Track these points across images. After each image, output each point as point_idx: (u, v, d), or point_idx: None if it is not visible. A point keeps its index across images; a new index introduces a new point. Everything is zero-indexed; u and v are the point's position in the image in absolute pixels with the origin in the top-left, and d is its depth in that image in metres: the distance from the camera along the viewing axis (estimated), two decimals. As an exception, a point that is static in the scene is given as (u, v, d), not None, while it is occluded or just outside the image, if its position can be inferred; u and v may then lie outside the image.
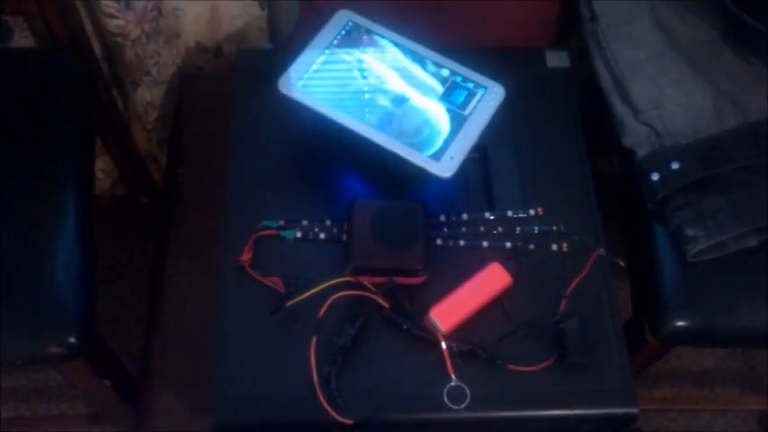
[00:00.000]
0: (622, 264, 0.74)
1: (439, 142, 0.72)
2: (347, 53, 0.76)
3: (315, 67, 0.76)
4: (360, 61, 0.76)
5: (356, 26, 0.78)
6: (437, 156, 0.71)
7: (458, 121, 0.74)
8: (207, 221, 0.86)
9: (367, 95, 0.74)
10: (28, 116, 0.88)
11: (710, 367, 1.34)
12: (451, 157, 0.71)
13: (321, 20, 0.79)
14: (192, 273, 0.92)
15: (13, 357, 0.73)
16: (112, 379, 0.88)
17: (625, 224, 0.89)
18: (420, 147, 0.71)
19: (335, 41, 0.77)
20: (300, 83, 0.74)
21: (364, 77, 0.75)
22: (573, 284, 0.73)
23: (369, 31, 0.78)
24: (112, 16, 0.94)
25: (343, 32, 0.77)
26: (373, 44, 0.77)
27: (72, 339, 0.74)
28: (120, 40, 0.97)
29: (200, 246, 0.93)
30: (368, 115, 0.73)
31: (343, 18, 0.78)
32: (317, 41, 0.76)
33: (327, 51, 0.76)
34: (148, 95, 1.08)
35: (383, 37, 0.78)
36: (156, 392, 0.83)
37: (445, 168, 0.70)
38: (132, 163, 1.20)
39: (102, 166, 1.25)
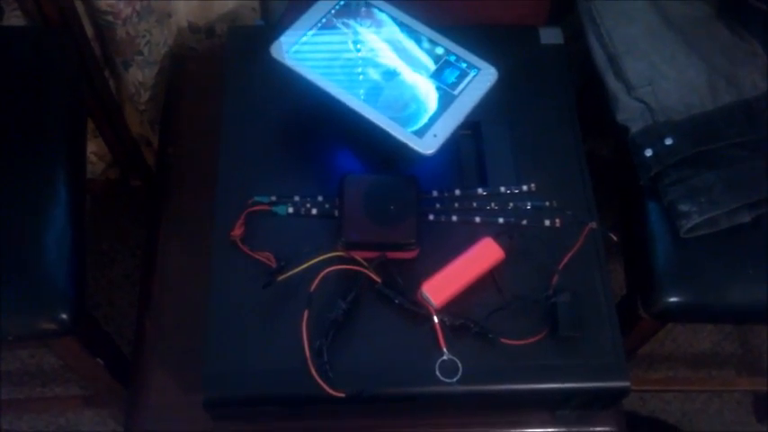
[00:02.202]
0: (615, 238, 0.73)
1: (424, 119, 0.72)
2: (343, 23, 0.76)
3: (309, 34, 0.75)
4: (355, 32, 0.76)
5: None
6: (420, 132, 0.71)
7: (446, 100, 0.73)
8: (199, 201, 0.86)
9: (358, 67, 0.74)
10: (19, 95, 0.87)
11: (706, 349, 1.35)
12: (435, 135, 0.70)
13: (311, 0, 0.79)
14: (183, 253, 0.92)
15: (6, 333, 0.73)
16: (106, 358, 0.88)
17: (619, 201, 0.89)
18: (404, 122, 0.71)
19: (333, 11, 0.76)
20: (293, 49, 0.74)
21: (357, 49, 0.75)
22: (565, 259, 0.73)
23: (367, 4, 0.77)
24: (103, -6, 0.93)
25: (341, 3, 0.77)
26: (370, 17, 0.77)
27: (63, 315, 0.74)
28: (111, 18, 0.97)
29: (192, 226, 0.93)
30: (357, 86, 0.72)
31: None
32: (313, 10, 0.76)
33: (323, 20, 0.76)
34: (140, 76, 1.08)
35: (381, 10, 0.78)
36: (150, 371, 0.83)
37: (427, 145, 0.70)
38: (125, 145, 1.20)
39: (95, 149, 1.24)
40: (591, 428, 0.82)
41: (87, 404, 1.08)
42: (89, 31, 1.01)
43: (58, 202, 0.81)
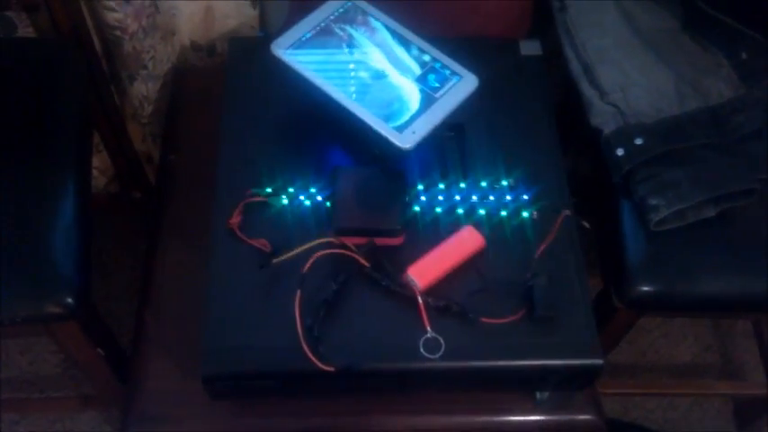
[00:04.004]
0: (587, 225, 0.78)
1: (405, 117, 0.78)
2: (340, 28, 0.83)
3: (308, 35, 0.82)
4: (350, 37, 0.83)
5: (354, 6, 0.85)
6: (401, 128, 0.76)
7: (428, 102, 0.79)
8: (198, 203, 0.91)
9: (350, 67, 0.80)
10: (32, 100, 0.93)
11: (687, 361, 1.39)
12: (413, 132, 0.76)
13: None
14: (183, 251, 0.96)
15: (14, 314, 0.77)
16: (106, 349, 0.91)
17: (594, 201, 0.94)
18: (387, 118, 0.77)
19: (332, 17, 0.84)
20: (292, 47, 0.81)
21: (351, 52, 0.82)
22: (542, 247, 0.78)
23: (364, 13, 0.84)
24: (112, 9, 0.99)
25: (341, 10, 0.84)
26: (366, 24, 0.84)
27: (69, 300, 0.79)
28: (118, 33, 1.03)
29: (192, 224, 0.97)
30: (347, 85, 0.79)
31: None
32: (315, 14, 0.83)
33: (323, 24, 0.83)
34: (144, 89, 1.14)
35: (376, 19, 0.85)
36: (149, 358, 0.87)
37: (406, 140, 0.76)
38: (128, 159, 1.25)
39: (98, 164, 1.29)
40: (571, 416, 0.86)
41: (85, 405, 1.11)
42: (97, 47, 1.07)
43: (66, 198, 0.86)
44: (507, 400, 0.86)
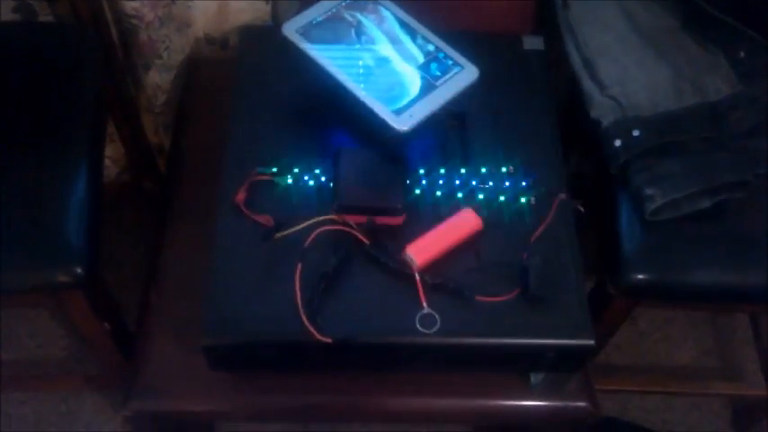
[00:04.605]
0: (581, 209, 0.80)
1: (404, 101, 0.80)
2: (350, 14, 0.86)
3: (319, 19, 0.85)
4: (359, 23, 0.86)
5: None
6: (399, 112, 0.79)
7: (427, 89, 0.82)
8: (206, 189, 0.93)
9: (356, 51, 0.83)
10: (51, 81, 0.96)
11: (687, 364, 1.40)
12: (411, 116, 0.79)
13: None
14: (191, 233, 0.99)
15: (24, 282, 0.80)
16: (112, 324, 0.94)
17: (592, 192, 0.96)
18: (387, 101, 0.80)
19: (344, 3, 0.87)
20: (302, 29, 0.84)
21: (358, 36, 0.85)
22: (539, 230, 0.80)
23: (375, 1, 0.88)
24: (130, -1, 1.03)
25: None
26: (375, 12, 0.87)
27: (78, 270, 0.82)
28: (135, 21, 1.07)
29: (200, 210, 1.00)
30: (352, 68, 0.82)
31: None
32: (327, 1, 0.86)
33: (334, 10, 0.86)
34: (158, 78, 1.17)
35: (386, 8, 0.88)
36: (153, 334, 0.89)
37: (403, 123, 0.78)
38: (140, 147, 1.28)
39: (110, 153, 1.33)
40: (565, 402, 0.88)
41: (88, 384, 1.13)
42: (114, 36, 1.11)
43: (79, 175, 0.89)
44: (501, 383, 0.88)
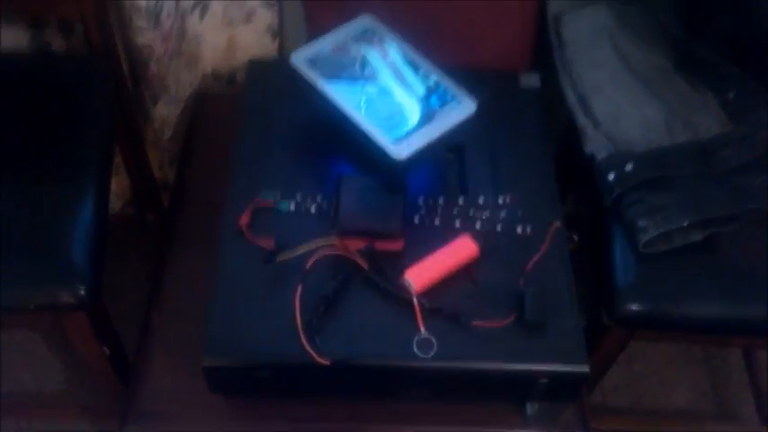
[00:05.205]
0: (576, 237, 0.82)
1: (404, 131, 0.84)
2: (356, 47, 0.90)
3: (326, 50, 0.89)
4: (364, 56, 0.90)
5: (372, 29, 0.92)
6: (397, 141, 0.82)
7: (426, 120, 0.85)
8: (209, 217, 0.96)
9: (359, 82, 0.87)
10: (63, 109, 0.99)
11: (683, 407, 1.39)
12: (408, 145, 0.82)
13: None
14: (192, 260, 1.00)
15: (28, 301, 0.82)
16: (111, 348, 0.95)
17: (587, 226, 0.98)
18: (386, 130, 0.83)
19: (351, 37, 0.91)
20: (310, 59, 0.88)
21: (362, 68, 0.89)
22: (534, 258, 0.82)
23: (381, 36, 0.92)
24: (141, 32, 1.06)
25: (360, 31, 0.92)
26: (380, 46, 0.91)
27: (81, 291, 0.83)
28: (145, 55, 1.10)
29: (202, 238, 1.02)
30: (355, 97, 0.85)
31: (363, 20, 0.93)
32: (336, 33, 0.91)
33: (341, 42, 0.90)
34: (165, 111, 1.20)
35: (391, 43, 0.92)
36: (152, 357, 0.90)
37: (400, 151, 0.81)
38: (145, 179, 1.30)
39: (114, 187, 1.35)
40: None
41: (84, 414, 1.13)
42: (124, 69, 1.14)
43: (86, 199, 0.91)
44: (498, 413, 0.88)
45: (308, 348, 0.74)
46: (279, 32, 1.19)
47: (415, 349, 0.76)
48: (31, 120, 0.97)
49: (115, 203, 1.39)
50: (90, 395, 1.23)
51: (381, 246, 0.81)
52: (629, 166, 0.89)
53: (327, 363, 0.74)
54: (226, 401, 0.86)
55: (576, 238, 0.82)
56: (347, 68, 0.88)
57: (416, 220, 0.85)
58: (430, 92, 0.88)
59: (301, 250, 0.79)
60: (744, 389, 1.38)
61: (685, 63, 0.98)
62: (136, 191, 1.34)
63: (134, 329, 1.33)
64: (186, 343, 0.91)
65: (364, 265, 0.79)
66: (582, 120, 0.95)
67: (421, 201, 0.87)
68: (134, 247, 1.45)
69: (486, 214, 0.86)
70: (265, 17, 1.18)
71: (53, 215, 0.88)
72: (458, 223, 0.85)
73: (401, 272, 0.79)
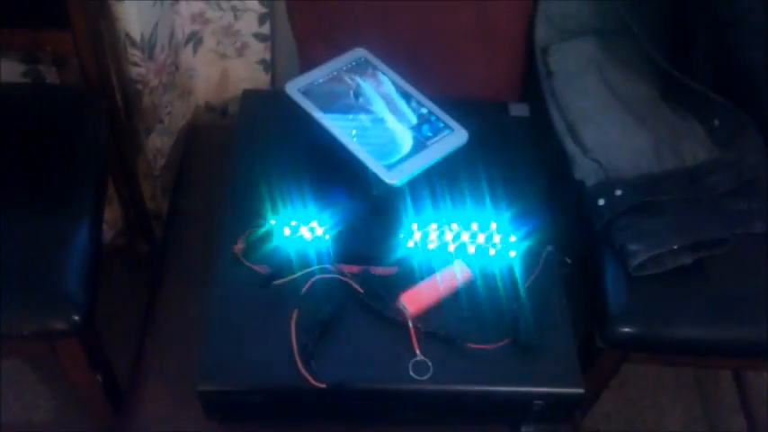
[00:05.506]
0: (569, 260, 0.83)
1: (396, 158, 0.86)
2: (350, 77, 0.92)
3: (321, 81, 0.91)
4: (358, 86, 0.92)
5: (366, 61, 0.95)
6: (390, 167, 0.84)
7: (418, 148, 0.87)
8: (202, 246, 0.97)
9: (353, 111, 0.89)
10: (58, 140, 1.00)
11: (676, 430, 1.39)
12: (401, 171, 0.84)
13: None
14: (186, 288, 1.01)
15: (21, 328, 0.82)
16: (104, 376, 0.94)
17: (578, 251, 0.99)
18: (380, 157, 0.85)
19: (345, 68, 0.93)
20: (304, 89, 0.90)
21: (356, 98, 0.90)
22: (528, 281, 0.83)
23: (374, 67, 0.94)
24: (136, 64, 1.08)
25: (353, 63, 0.94)
26: (373, 76, 0.93)
27: (75, 318, 0.83)
28: (139, 87, 1.11)
29: (196, 267, 1.03)
30: (349, 126, 0.87)
31: (357, 53, 0.95)
32: (330, 64, 0.93)
33: (335, 73, 0.92)
34: (159, 142, 1.21)
35: (384, 73, 0.94)
36: (146, 383, 0.90)
37: (393, 177, 0.83)
38: (138, 209, 1.31)
39: (106, 217, 1.35)
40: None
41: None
42: (118, 100, 1.15)
43: (80, 227, 0.91)
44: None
45: (304, 372, 0.74)
46: (271, 65, 1.21)
47: (411, 372, 0.76)
48: (27, 150, 0.98)
49: (107, 233, 1.39)
50: (81, 424, 1.22)
51: (376, 270, 0.81)
52: (618, 192, 0.91)
53: (323, 387, 0.74)
54: (220, 427, 0.85)
55: (568, 261, 0.83)
56: (341, 98, 0.90)
57: (411, 244, 0.86)
58: (422, 121, 0.90)
59: (297, 274, 0.80)
60: (735, 412, 1.38)
61: (671, 92, 1.01)
62: (128, 221, 1.35)
63: (125, 359, 1.33)
64: (180, 370, 0.91)
65: (360, 289, 0.80)
66: (571, 147, 0.97)
67: (415, 226, 0.88)
68: (125, 276, 1.45)
69: (479, 239, 0.87)
70: (258, 50, 1.21)
71: (47, 243, 0.89)
72: (451, 247, 0.86)
73: (396, 296, 0.80)
